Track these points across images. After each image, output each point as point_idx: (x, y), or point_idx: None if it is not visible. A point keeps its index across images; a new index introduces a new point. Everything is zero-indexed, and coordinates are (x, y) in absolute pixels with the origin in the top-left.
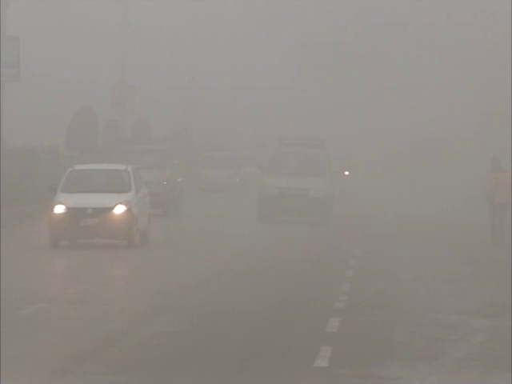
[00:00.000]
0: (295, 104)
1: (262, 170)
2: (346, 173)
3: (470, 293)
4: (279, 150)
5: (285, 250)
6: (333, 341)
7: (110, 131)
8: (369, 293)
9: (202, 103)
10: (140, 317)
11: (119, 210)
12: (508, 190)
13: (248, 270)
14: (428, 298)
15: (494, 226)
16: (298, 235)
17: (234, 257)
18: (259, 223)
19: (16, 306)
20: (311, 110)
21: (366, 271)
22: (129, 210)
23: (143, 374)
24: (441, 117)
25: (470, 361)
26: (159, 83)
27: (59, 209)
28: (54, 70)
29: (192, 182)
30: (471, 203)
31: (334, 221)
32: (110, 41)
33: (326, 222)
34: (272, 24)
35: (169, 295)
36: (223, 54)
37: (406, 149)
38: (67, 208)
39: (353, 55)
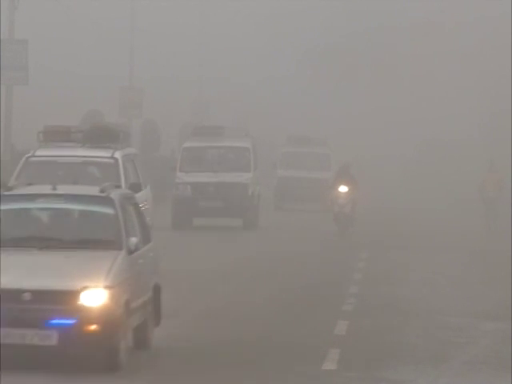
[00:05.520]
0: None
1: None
2: (344, 189)
3: (477, 295)
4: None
5: (293, 253)
6: (341, 343)
7: None
8: (377, 296)
9: (210, 105)
10: None
11: None
12: (494, 187)
13: (257, 272)
14: (435, 300)
15: (488, 218)
16: (305, 237)
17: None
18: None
19: None
20: (316, 111)
21: (374, 274)
22: None
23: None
24: (446, 118)
25: (478, 363)
26: (167, 85)
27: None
28: (62, 73)
29: None
30: (476, 202)
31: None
32: (117, 43)
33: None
34: (281, 25)
35: None
36: (230, 55)
37: (411, 150)
38: None
39: (357, 58)
